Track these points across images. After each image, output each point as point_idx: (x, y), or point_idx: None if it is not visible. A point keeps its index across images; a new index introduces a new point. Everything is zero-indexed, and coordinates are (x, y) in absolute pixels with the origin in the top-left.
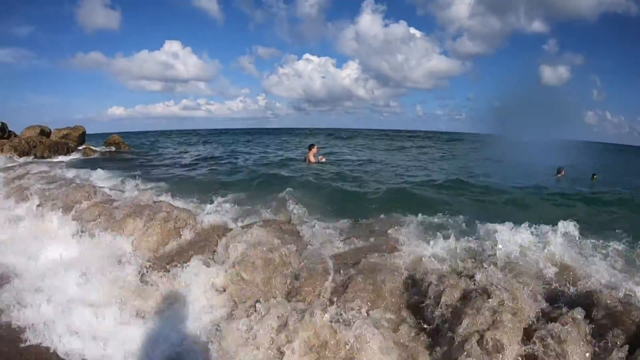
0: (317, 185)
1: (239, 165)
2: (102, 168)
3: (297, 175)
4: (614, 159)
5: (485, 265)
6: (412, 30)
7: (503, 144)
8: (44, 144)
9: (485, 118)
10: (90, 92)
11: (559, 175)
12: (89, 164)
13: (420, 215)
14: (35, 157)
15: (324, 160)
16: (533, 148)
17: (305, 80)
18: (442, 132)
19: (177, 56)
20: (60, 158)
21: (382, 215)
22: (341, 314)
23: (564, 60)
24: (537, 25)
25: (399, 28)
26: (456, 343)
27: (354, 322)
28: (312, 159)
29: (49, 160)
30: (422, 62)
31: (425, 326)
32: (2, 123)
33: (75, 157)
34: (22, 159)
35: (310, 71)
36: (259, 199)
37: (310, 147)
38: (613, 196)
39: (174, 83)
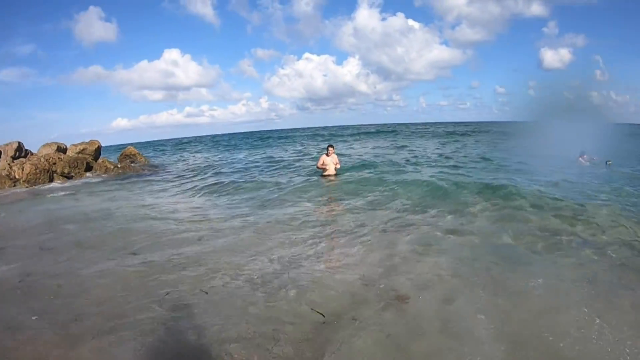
0: None
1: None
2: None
3: None
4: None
5: None
6: (411, 21)
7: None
8: (63, 160)
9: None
10: (94, 106)
11: (582, 160)
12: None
13: None
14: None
15: (339, 166)
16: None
17: (307, 80)
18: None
19: (177, 64)
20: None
21: None
22: None
23: (565, 42)
24: (536, 8)
25: (397, 20)
26: None
27: None
28: (330, 168)
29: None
30: (423, 54)
31: None
32: (19, 142)
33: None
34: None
35: (311, 70)
36: None
37: (329, 147)
38: None
39: (176, 91)
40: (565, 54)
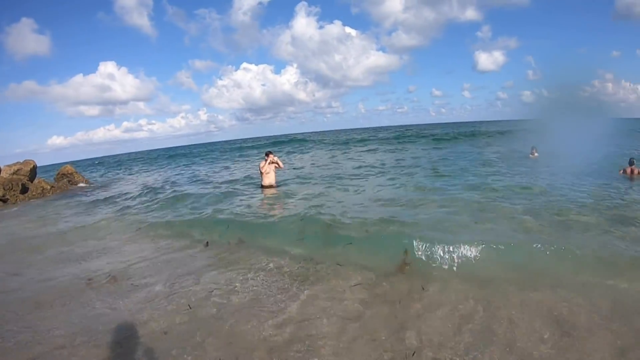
0: None
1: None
2: None
3: None
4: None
5: None
6: (348, 29)
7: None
8: None
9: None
10: (28, 124)
11: (533, 155)
12: None
13: None
14: None
15: (282, 166)
16: None
17: (246, 90)
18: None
19: (113, 77)
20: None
21: None
22: None
23: (499, 45)
24: (471, 13)
25: (334, 28)
26: None
27: None
28: (270, 176)
29: None
30: (361, 60)
31: None
32: None
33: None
34: None
35: (249, 80)
36: None
37: (267, 154)
38: None
39: (113, 106)
40: (498, 56)
